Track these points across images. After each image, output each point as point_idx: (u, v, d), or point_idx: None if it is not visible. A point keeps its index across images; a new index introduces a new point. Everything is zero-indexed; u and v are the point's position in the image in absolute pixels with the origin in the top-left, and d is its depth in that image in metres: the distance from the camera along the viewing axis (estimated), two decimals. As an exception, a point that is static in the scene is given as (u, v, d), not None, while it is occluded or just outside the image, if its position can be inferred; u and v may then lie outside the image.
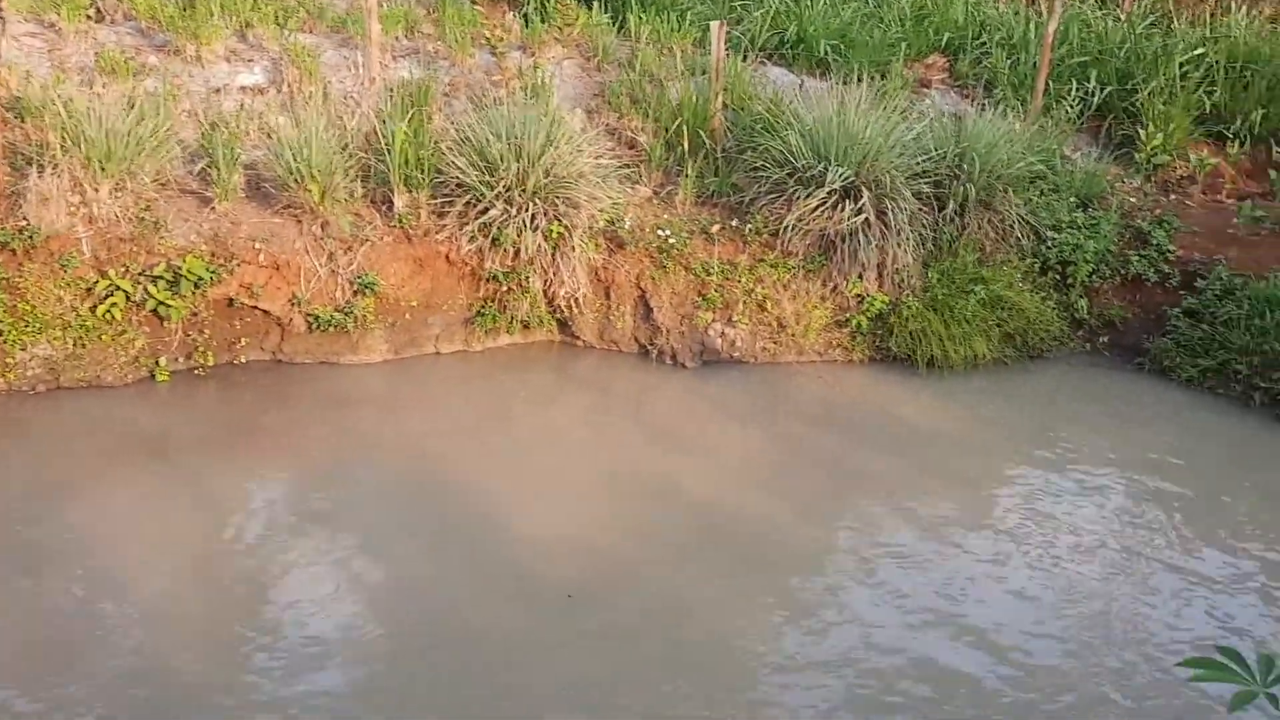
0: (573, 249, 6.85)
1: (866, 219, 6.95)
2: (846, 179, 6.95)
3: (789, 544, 5.11)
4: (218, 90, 7.34)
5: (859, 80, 7.48)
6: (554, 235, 6.81)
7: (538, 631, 4.31)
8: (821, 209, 7.01)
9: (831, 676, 4.19)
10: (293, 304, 6.59)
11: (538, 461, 5.78)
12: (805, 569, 4.94)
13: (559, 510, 5.24)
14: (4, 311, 6.01)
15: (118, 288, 6.17)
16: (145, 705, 3.93)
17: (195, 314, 6.39)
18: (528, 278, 6.85)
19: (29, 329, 6.04)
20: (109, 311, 6.14)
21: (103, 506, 5.12)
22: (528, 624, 4.32)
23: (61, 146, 6.25)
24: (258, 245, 6.59)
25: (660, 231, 7.11)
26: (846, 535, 5.30)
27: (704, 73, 7.90)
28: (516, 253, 6.84)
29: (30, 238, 6.10)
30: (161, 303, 6.21)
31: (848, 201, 6.99)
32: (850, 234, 7.01)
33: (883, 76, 8.15)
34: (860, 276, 7.08)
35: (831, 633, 4.46)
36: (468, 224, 6.80)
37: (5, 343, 5.99)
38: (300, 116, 6.88)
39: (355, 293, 6.68)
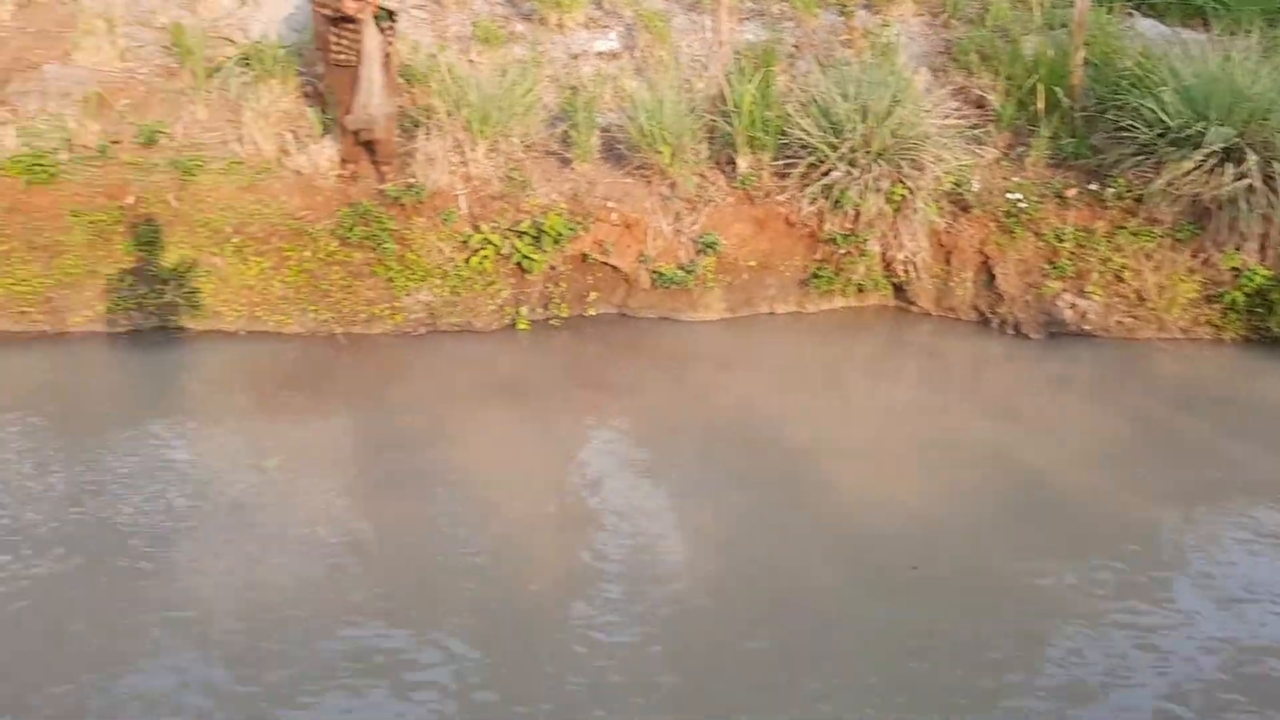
0: (914, 212, 6.95)
1: (1250, 184, 6.52)
2: (1229, 140, 6.48)
3: (1147, 532, 4.93)
4: (576, 56, 7.99)
5: (1245, 32, 6.91)
6: (896, 198, 6.89)
7: (878, 601, 4.39)
8: (1197, 172, 6.62)
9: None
10: (640, 261, 7.11)
11: (869, 426, 6.08)
12: (1168, 560, 4.76)
13: (892, 477, 5.53)
14: (395, 260, 6.86)
15: (489, 241, 6.90)
16: (497, 628, 4.46)
17: (553, 268, 7.04)
18: (866, 241, 7.01)
19: (414, 276, 6.89)
20: (481, 263, 6.89)
21: (467, 441, 6.03)
22: (867, 592, 4.43)
23: (446, 111, 6.97)
24: (610, 204, 7.14)
25: (1010, 195, 6.97)
26: (1223, 528, 5.03)
27: (1063, 25, 7.61)
28: (856, 215, 7.03)
29: (418, 194, 6.95)
30: (525, 256, 6.89)
31: (1229, 165, 6.58)
32: (1230, 200, 6.60)
33: (1271, 26, 7.48)
34: (1238, 248, 6.70)
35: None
36: (809, 185, 7.06)
37: (395, 288, 6.85)
38: (652, 80, 7.33)
39: (698, 252, 7.10)
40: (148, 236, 7.03)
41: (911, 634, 4.39)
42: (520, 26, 8.29)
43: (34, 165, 7.10)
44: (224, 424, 6.03)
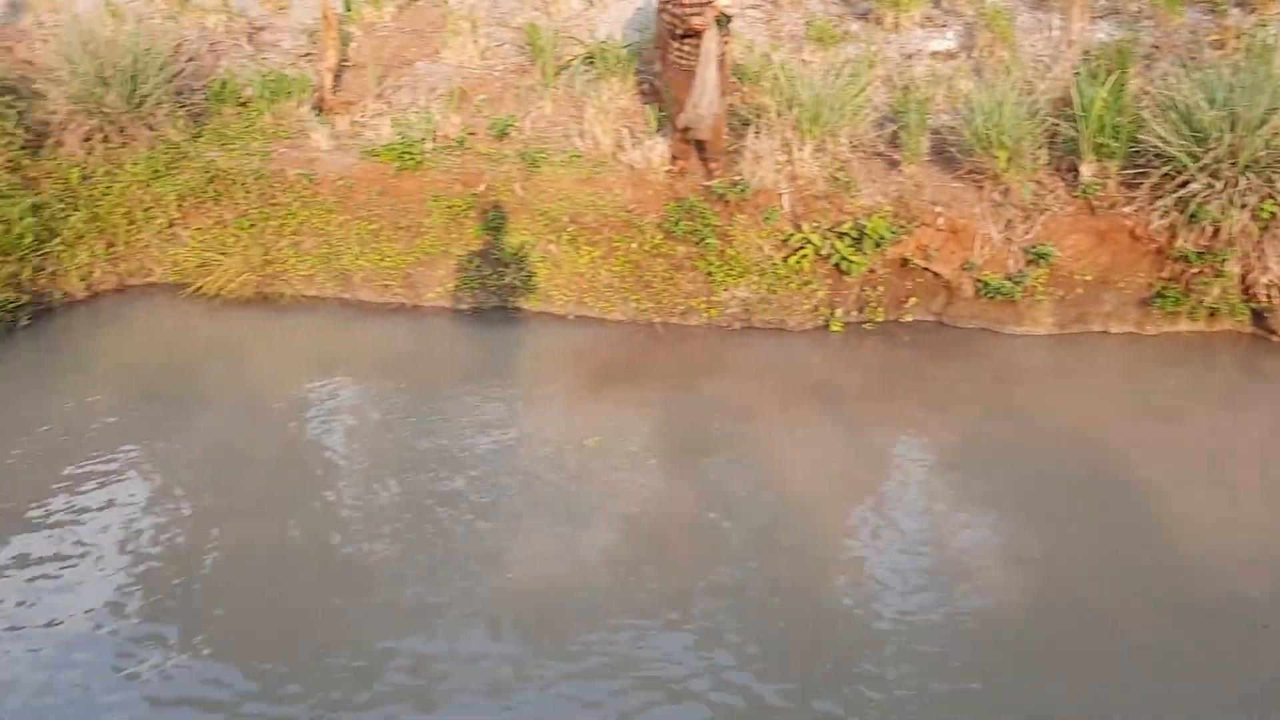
0: (1286, 231, 6.26)
1: None
2: None
3: None
4: (910, 56, 7.89)
5: None
6: (1265, 215, 6.28)
7: (1206, 653, 4.08)
8: None
9: None
10: (964, 268, 6.88)
11: (1214, 467, 5.62)
12: None
13: (1238, 525, 4.88)
14: (716, 255, 7.05)
15: (809, 241, 6.94)
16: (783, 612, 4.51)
17: (872, 271, 6.97)
18: (1224, 260, 6.47)
19: (733, 272, 7.06)
20: (799, 262, 6.96)
21: (776, 438, 6.26)
22: (1196, 643, 4.10)
23: (776, 110, 7.06)
24: (938, 209, 6.97)
25: None
26: None
27: None
28: (1215, 232, 6.51)
29: (742, 191, 7.10)
30: (845, 258, 6.86)
31: None
32: None
33: None
34: None
35: None
36: (1162, 197, 6.61)
37: (714, 283, 7.04)
38: (990, 81, 7.08)
39: (1028, 262, 6.82)
40: (495, 222, 7.64)
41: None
42: (855, 26, 8.29)
43: (404, 153, 7.89)
44: (549, 400, 6.53)
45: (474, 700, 4.23)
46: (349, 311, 7.68)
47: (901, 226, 7.20)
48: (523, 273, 7.62)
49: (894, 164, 7.50)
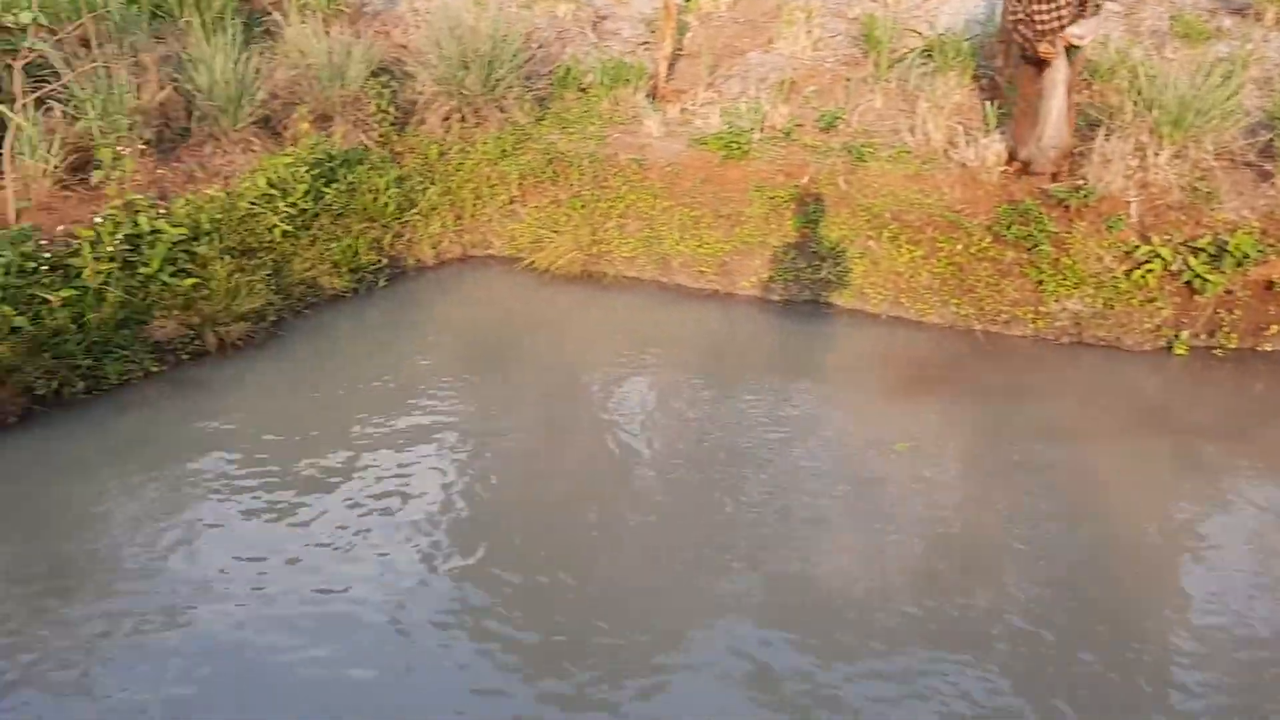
0: None
1: None
2: None
3: None
4: None
5: None
6: None
7: None
8: None
9: None
10: (1344, 297, 6.10)
11: None
12: None
13: None
14: (1048, 263, 6.67)
15: (1157, 255, 6.42)
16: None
17: (1229, 292, 6.32)
18: None
19: (1066, 282, 6.67)
20: (1143, 277, 6.48)
21: (1101, 463, 5.98)
22: None
23: (1132, 111, 6.55)
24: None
25: None
26: None
27: None
28: None
29: (1085, 197, 6.69)
30: (1199, 276, 6.28)
31: None
32: None
33: None
34: None
35: None
36: None
37: (1043, 292, 6.67)
38: None
39: None
40: (815, 215, 7.63)
41: None
42: (1228, 22, 7.54)
43: (731, 142, 8.02)
44: (856, 400, 6.46)
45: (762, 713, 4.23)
46: (665, 294, 7.93)
47: (1270, 245, 6.49)
48: (839, 268, 7.55)
49: (1265, 175, 6.79)
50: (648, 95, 9.00)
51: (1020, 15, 6.63)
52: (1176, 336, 6.70)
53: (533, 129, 8.73)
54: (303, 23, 8.49)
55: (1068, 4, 6.46)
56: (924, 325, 7.23)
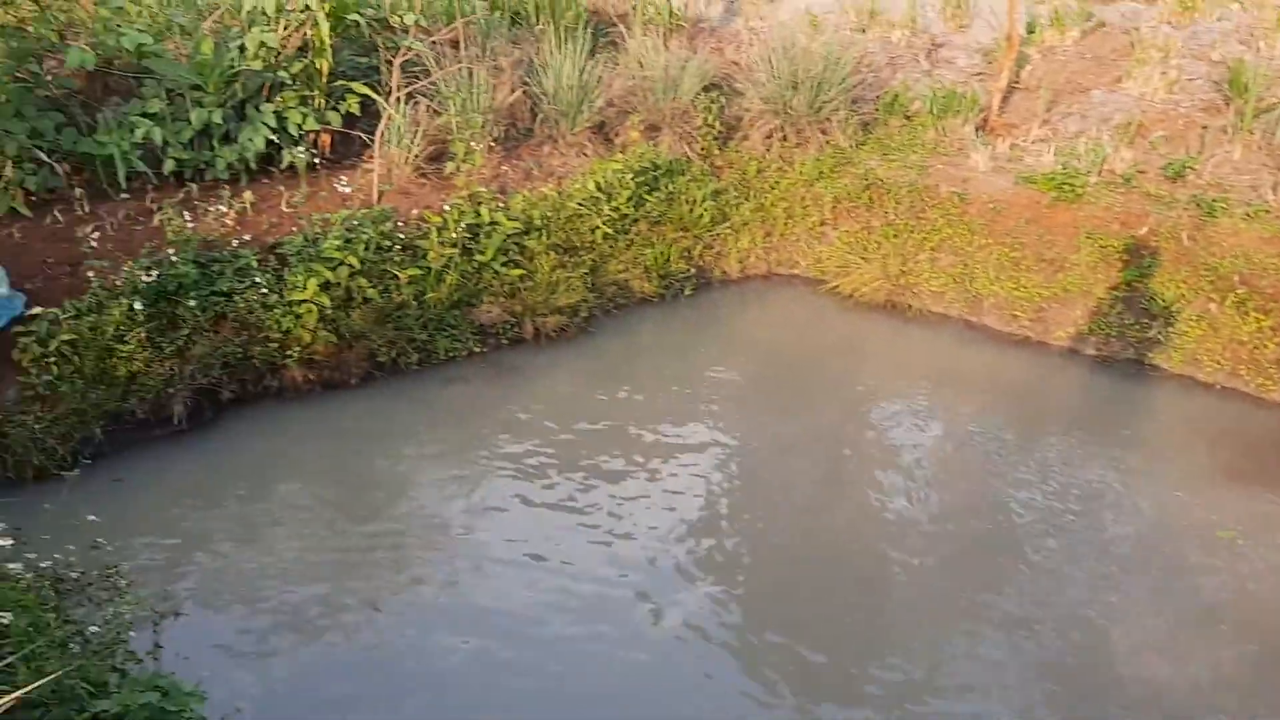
0: None
1: None
2: None
3: None
4: None
5: None
6: None
7: None
8: None
9: None
10: None
11: None
12: None
13: None
14: None
15: None
16: None
17: None
18: None
19: None
20: None
21: None
22: None
23: None
24: None
25: None
26: None
27: None
28: None
29: None
30: None
31: None
32: None
33: None
34: None
35: None
36: None
37: None
38: None
39: None
40: (1149, 269, 7.15)
41: None
42: None
43: (1063, 184, 7.64)
44: (1176, 474, 6.04)
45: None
46: (972, 334, 7.67)
47: None
48: (1170, 328, 7.01)
49: None
50: (977, 128, 8.73)
51: None
52: None
53: (853, 153, 8.69)
54: (645, 36, 8.81)
55: None
56: (1265, 402, 6.60)
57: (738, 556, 5.08)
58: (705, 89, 8.68)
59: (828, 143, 8.69)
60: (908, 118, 9.04)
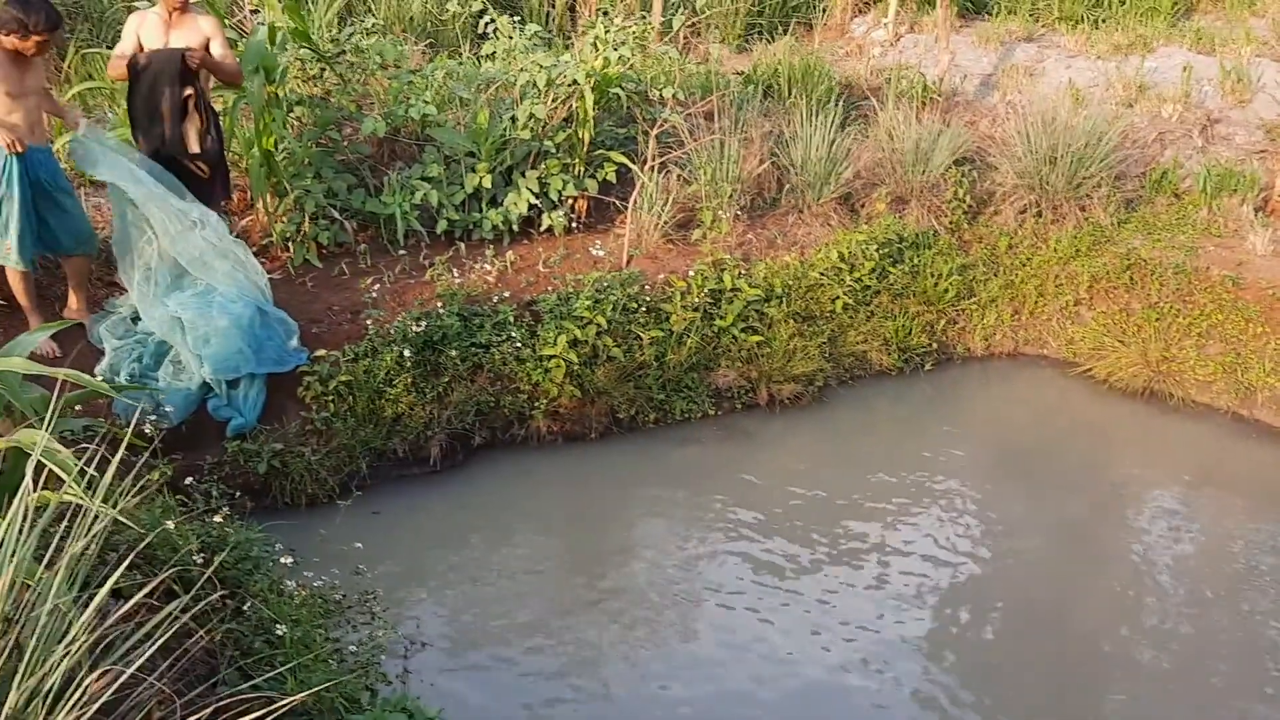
0: None
1: None
2: None
3: None
4: None
5: None
6: None
7: None
8: None
9: None
10: None
11: None
12: None
13: None
14: None
15: None
16: None
17: None
18: None
19: None
20: None
21: None
22: None
23: None
24: None
25: None
26: None
27: None
28: None
29: None
30: None
31: None
32: None
33: None
34: None
35: None
36: None
37: None
38: None
39: None
40: None
41: None
42: None
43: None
44: None
45: None
46: (1242, 429, 7.12)
47: None
48: None
49: None
50: (1256, 209, 8.16)
51: None
52: None
53: (1114, 231, 8.35)
54: (896, 109, 8.83)
55: None
56: None
57: (955, 655, 4.91)
58: (956, 163, 8.56)
59: (1086, 220, 8.39)
60: (1177, 196, 8.61)
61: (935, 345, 7.99)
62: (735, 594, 5.32)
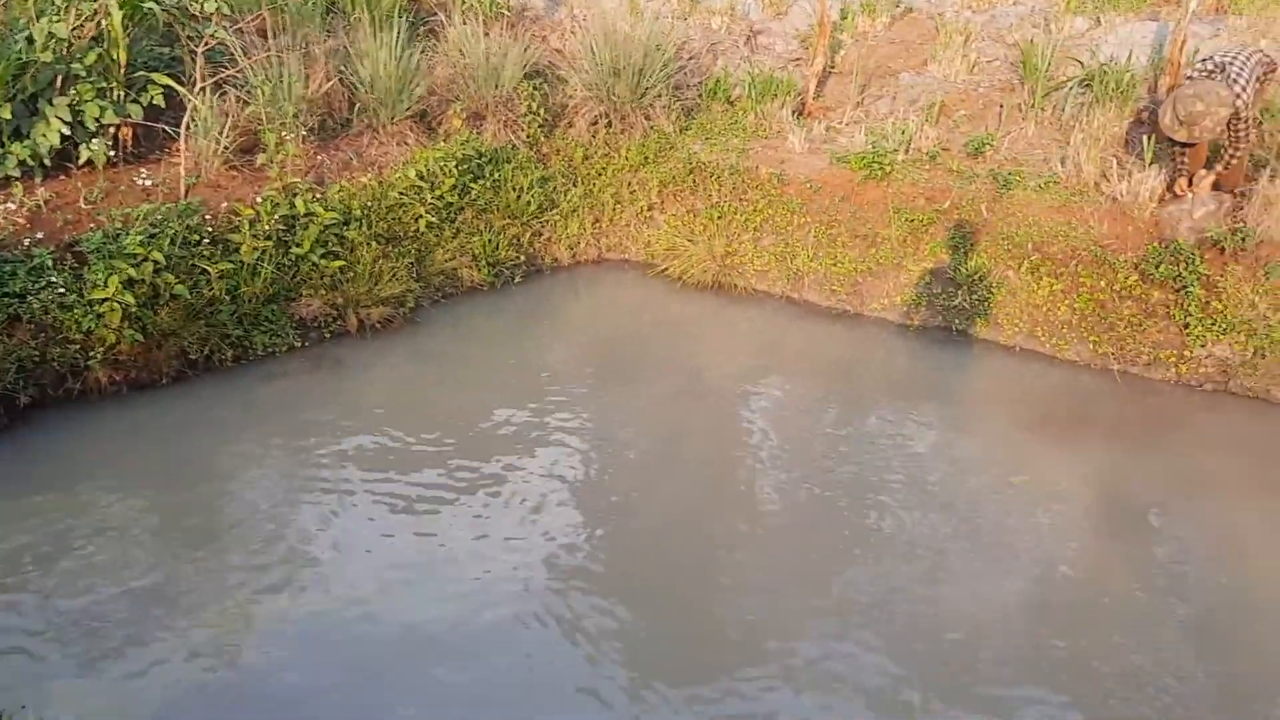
0: None
1: None
2: None
3: None
4: None
5: None
6: None
7: None
8: None
9: None
10: None
11: None
12: None
13: None
14: (1197, 306, 6.41)
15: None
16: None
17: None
18: None
19: (1214, 327, 6.41)
20: (1306, 326, 6.11)
21: (1238, 521, 5.70)
22: None
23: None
24: None
25: None
26: None
27: None
28: None
29: (1242, 240, 6.36)
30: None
31: None
32: None
33: None
34: None
35: None
36: None
37: (1189, 337, 6.41)
38: None
39: None
40: (954, 241, 7.56)
41: None
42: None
43: (873, 162, 8.01)
44: (979, 430, 6.30)
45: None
46: (794, 310, 7.94)
47: None
48: (975, 296, 7.47)
49: None
50: (795, 111, 9.04)
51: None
52: (1334, 392, 6.32)
53: (676, 138, 8.88)
54: (464, 24, 8.81)
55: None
56: (1058, 361, 7.06)
57: (569, 541, 5.17)
58: (528, 77, 8.73)
59: (652, 128, 8.83)
60: (730, 103, 9.30)
61: (523, 258, 8.19)
62: (330, 526, 5.17)
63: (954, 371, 7.07)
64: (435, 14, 9.39)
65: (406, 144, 8.24)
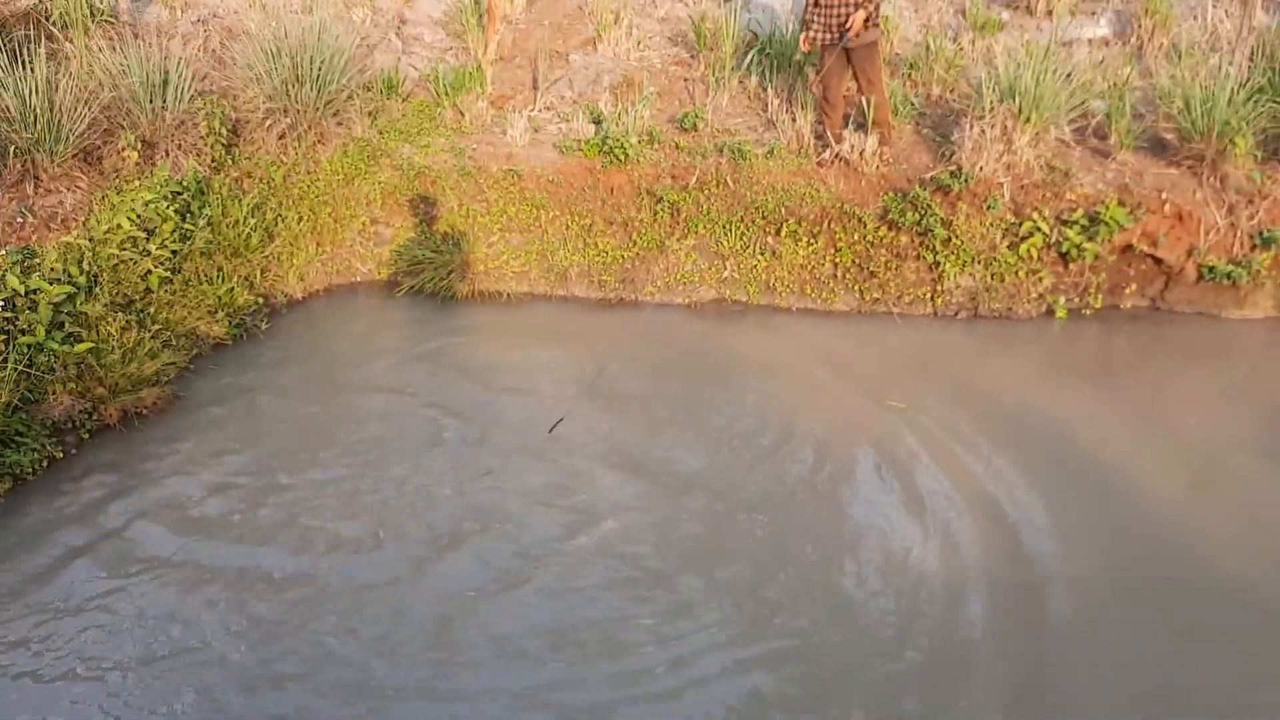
0: None
1: None
2: None
3: None
4: (1068, 44, 8.16)
5: None
6: None
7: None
8: None
9: None
10: (1189, 254, 7.18)
11: None
12: None
13: None
14: (941, 244, 7.31)
15: (1038, 228, 7.22)
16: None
17: (1097, 257, 7.21)
18: None
19: (958, 261, 7.32)
20: (1027, 250, 7.22)
21: (1029, 422, 6.46)
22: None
23: (990, 101, 7.33)
24: (1164, 195, 7.24)
25: None
26: None
27: None
28: None
29: (964, 181, 7.35)
30: (1075, 245, 7.13)
31: None
32: None
33: None
34: None
35: None
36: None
37: (940, 272, 7.31)
38: (1153, 67, 7.46)
39: (1253, 247, 7.11)
40: (709, 215, 8.05)
41: None
42: (1004, 14, 8.77)
43: (612, 149, 8.26)
44: (774, 390, 6.91)
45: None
46: (564, 307, 8.02)
47: (1130, 213, 7.50)
48: (742, 266, 7.84)
49: (1100, 153, 7.77)
50: (491, 103, 8.74)
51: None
52: (1056, 302, 7.52)
53: (380, 144, 8.27)
54: (75, 40, 7.43)
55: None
56: (832, 314, 7.64)
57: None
58: (200, 93, 7.60)
59: (350, 136, 8.10)
60: (404, 99, 8.75)
61: (261, 300, 7.17)
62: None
63: (738, 340, 7.56)
64: (24, 29, 7.80)
65: (79, 188, 6.87)
